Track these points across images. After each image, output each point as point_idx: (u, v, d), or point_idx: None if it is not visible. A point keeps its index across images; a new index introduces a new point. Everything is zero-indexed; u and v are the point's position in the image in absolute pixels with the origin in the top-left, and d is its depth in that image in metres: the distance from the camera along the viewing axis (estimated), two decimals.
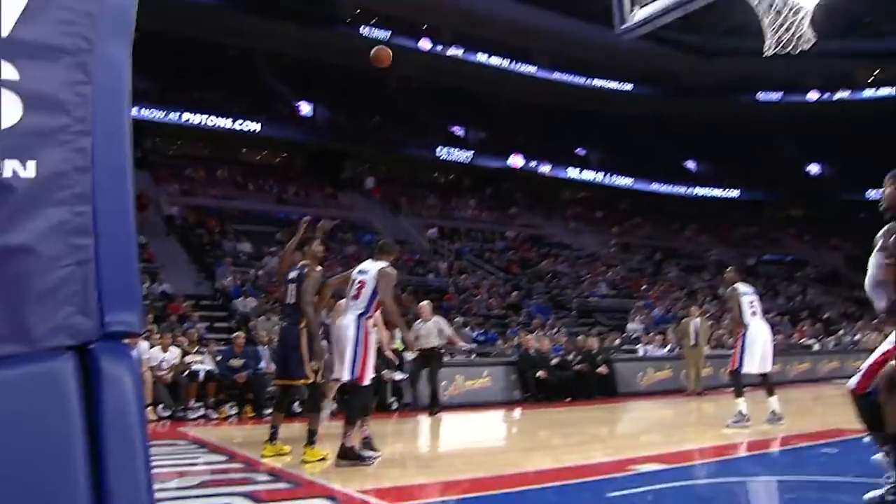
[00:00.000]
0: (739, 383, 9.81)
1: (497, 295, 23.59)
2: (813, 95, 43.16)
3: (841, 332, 24.56)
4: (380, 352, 8.57)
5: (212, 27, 31.60)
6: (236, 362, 12.26)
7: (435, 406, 12.16)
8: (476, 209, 33.46)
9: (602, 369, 15.80)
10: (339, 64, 33.48)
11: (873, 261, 4.33)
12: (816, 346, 22.27)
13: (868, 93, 43.42)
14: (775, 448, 8.36)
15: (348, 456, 6.73)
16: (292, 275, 7.52)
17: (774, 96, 42.95)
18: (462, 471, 7.02)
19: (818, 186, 42.12)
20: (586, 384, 15.42)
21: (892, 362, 4.22)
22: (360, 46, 33.37)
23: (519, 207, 35.03)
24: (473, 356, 16.71)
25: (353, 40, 33.27)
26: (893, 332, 4.24)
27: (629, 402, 15.22)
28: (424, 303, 13.10)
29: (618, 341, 19.91)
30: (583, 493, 5.72)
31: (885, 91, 42.97)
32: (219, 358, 12.58)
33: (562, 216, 35.91)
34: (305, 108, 33.32)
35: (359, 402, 6.99)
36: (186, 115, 29.41)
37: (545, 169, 36.62)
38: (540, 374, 14.84)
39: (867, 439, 4.24)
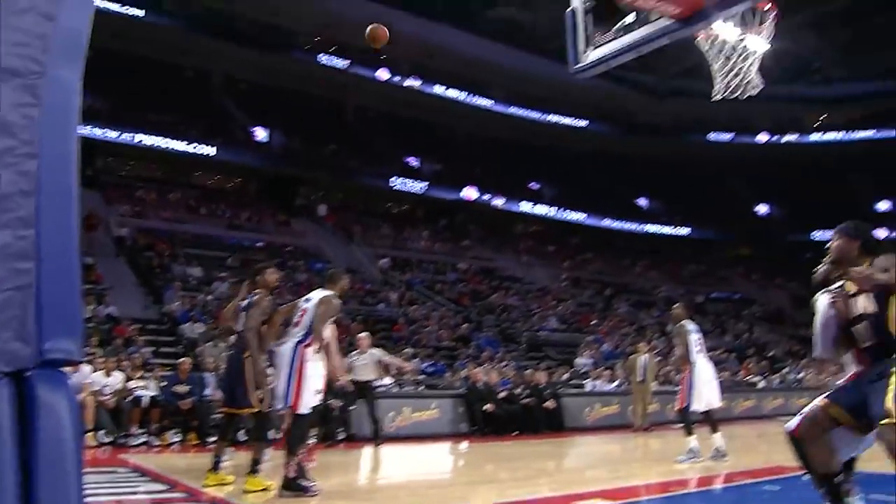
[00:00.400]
0: (689, 421, 9.93)
1: (447, 327, 23.56)
2: (762, 138, 44.24)
3: (786, 369, 24.96)
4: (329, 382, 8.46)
5: (168, 48, 31.46)
6: (181, 388, 12.06)
7: (378, 437, 12.11)
8: (429, 240, 33.50)
9: (549, 403, 15.83)
10: (296, 90, 33.53)
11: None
12: (762, 384, 22.56)
13: (815, 137, 44.60)
14: (719, 485, 8.43)
15: (291, 487, 6.64)
16: (244, 303, 7.47)
17: (725, 137, 43.84)
18: (407, 503, 6.97)
19: (766, 227, 42.93)
20: (533, 418, 15.44)
21: (817, 403, 4.33)
22: (317, 74, 33.85)
23: (472, 240, 35.14)
24: (422, 387, 16.64)
25: (310, 68, 33.42)
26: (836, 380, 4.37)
27: (576, 437, 15.25)
28: (363, 334, 13.10)
29: (566, 376, 19.96)
30: None
31: (831, 136, 44.20)
32: (163, 384, 12.37)
33: (514, 249, 36.08)
34: (261, 134, 33.11)
35: (297, 431, 6.90)
36: (140, 136, 29.06)
37: (499, 202, 36.82)
38: (487, 407, 14.82)
39: (806, 478, 4.32)
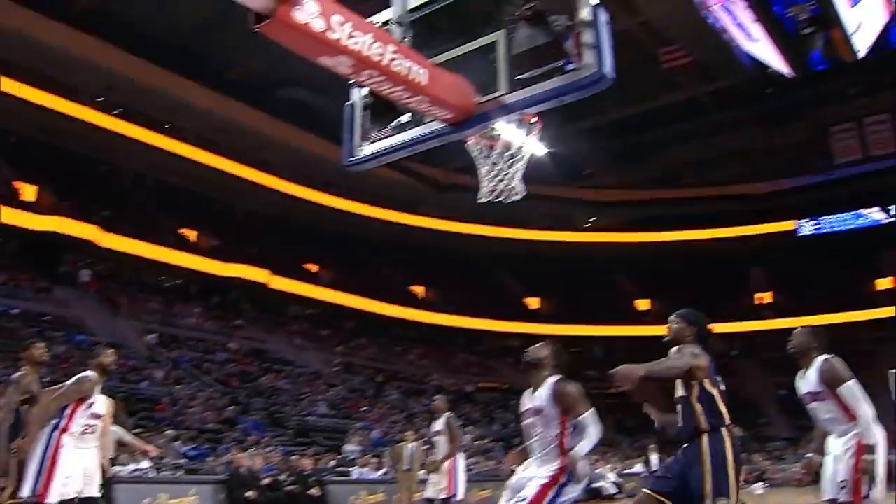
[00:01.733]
0: None
1: (213, 408, 22.76)
2: (536, 234, 46.66)
3: None
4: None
5: None
6: None
7: None
8: (200, 317, 32.37)
9: (314, 491, 15.59)
10: (72, 149, 31.87)
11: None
12: None
13: (584, 237, 47.82)
14: None
15: None
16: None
17: (499, 231, 45.79)
18: None
19: (535, 319, 44.78)
20: None
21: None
22: (95, 135, 32.33)
23: (244, 319, 34.33)
24: (181, 472, 15.91)
25: (88, 128, 31.88)
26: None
27: None
28: None
29: (333, 462, 19.78)
30: None
31: (598, 237, 47.59)
32: None
33: (287, 331, 35.58)
34: (28, 191, 30.90)
35: None
36: None
37: (275, 282, 36.28)
38: (249, 494, 14.37)
39: None
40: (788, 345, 5.46)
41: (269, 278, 35.82)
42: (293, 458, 17.68)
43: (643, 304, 48.44)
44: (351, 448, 21.72)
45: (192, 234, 35.94)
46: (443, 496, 10.77)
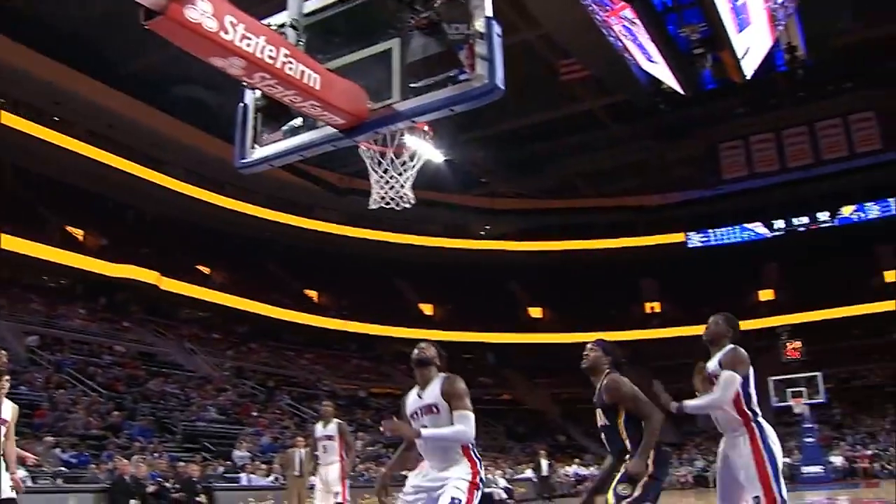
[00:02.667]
0: None
1: (97, 414, 22.04)
2: (432, 241, 46.93)
3: None
4: None
5: None
6: None
7: None
8: (85, 319, 31.26)
9: (202, 498, 15.33)
10: None
11: None
12: None
13: (479, 244, 48.36)
14: None
15: None
16: None
17: (394, 237, 45.86)
18: None
19: (429, 325, 44.92)
20: None
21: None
22: None
23: (132, 321, 33.38)
24: (60, 480, 15.38)
25: None
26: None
27: None
28: None
29: (221, 469, 19.47)
30: None
31: (493, 245, 48.23)
32: None
33: (177, 334, 34.73)
34: None
35: None
36: None
37: (165, 284, 35.41)
38: (132, 502, 14.02)
39: None
40: (704, 333, 5.61)
41: (159, 279, 34.95)
42: (180, 464, 17.33)
43: (536, 312, 49.42)
44: (240, 454, 21.40)
45: (78, 233, 34.80)
46: (336, 501, 10.86)
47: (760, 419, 5.16)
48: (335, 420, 11.22)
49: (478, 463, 4.95)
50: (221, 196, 39.50)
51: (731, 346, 5.39)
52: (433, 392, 5.09)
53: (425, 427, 5.01)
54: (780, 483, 4.98)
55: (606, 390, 5.24)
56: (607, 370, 5.33)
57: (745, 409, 5.18)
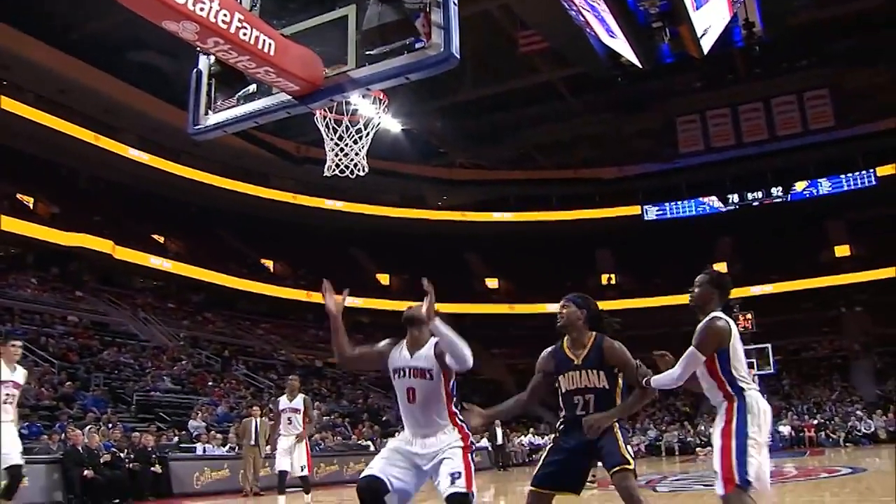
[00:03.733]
0: (309, 484, 11.53)
1: (49, 384, 21.78)
2: (389, 211, 46.87)
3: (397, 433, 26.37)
4: None
5: None
6: None
7: None
8: (37, 289, 30.72)
9: (157, 468, 15.28)
10: None
11: None
12: (373, 448, 23.81)
13: (436, 214, 48.35)
14: None
15: None
16: None
17: (351, 206, 45.67)
18: None
19: (385, 295, 44.91)
20: (138, 484, 14.80)
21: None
22: None
23: (85, 291, 32.91)
24: None
25: None
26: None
27: (184, 503, 14.85)
28: None
29: (176, 439, 19.40)
30: None
31: (450, 215, 48.22)
32: None
33: (131, 304, 34.29)
34: None
35: None
36: None
37: (119, 253, 34.89)
38: (86, 473, 13.93)
39: None
40: (689, 298, 5.00)
41: (112, 248, 34.45)
42: (134, 434, 17.23)
43: (492, 283, 49.66)
44: (195, 424, 21.32)
45: (29, 200, 34.15)
46: (302, 474, 11.31)
47: (748, 393, 4.64)
48: (301, 395, 11.56)
49: (465, 426, 4.89)
50: (176, 164, 38.91)
51: (710, 317, 4.73)
52: (426, 353, 4.94)
53: (412, 389, 4.90)
54: (744, 463, 4.39)
55: (611, 353, 5.04)
56: (585, 326, 5.14)
57: (725, 383, 4.67)
